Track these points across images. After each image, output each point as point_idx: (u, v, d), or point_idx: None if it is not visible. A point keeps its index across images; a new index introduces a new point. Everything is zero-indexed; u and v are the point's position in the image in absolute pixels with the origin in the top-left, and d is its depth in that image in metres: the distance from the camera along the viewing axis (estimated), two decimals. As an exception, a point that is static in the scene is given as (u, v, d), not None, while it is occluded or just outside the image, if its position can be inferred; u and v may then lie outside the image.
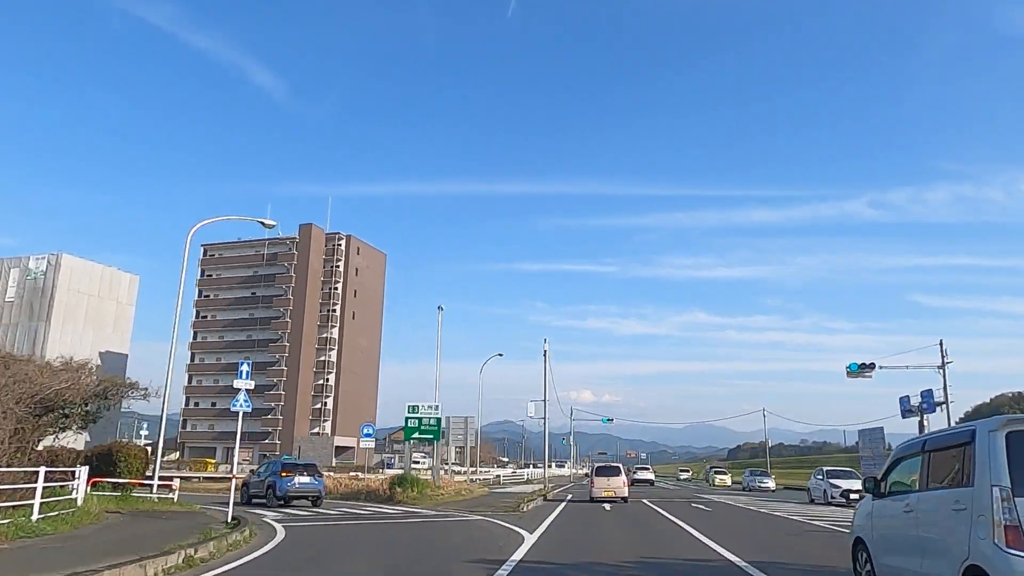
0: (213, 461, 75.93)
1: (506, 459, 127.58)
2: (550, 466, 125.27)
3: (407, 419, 30.72)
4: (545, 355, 43.33)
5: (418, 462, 67.83)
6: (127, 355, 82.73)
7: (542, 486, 41.48)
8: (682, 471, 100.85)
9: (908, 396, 43.43)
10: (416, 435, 31.12)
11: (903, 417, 44.33)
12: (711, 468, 76.24)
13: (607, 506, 26.41)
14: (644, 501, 30.65)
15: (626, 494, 29.70)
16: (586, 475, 49.24)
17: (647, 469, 66.91)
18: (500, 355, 45.73)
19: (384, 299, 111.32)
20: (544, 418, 45.39)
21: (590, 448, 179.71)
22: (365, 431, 38.66)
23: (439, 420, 31.15)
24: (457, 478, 43.97)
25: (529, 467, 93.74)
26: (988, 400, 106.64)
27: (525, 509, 23.02)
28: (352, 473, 44.81)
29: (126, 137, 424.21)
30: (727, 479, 65.24)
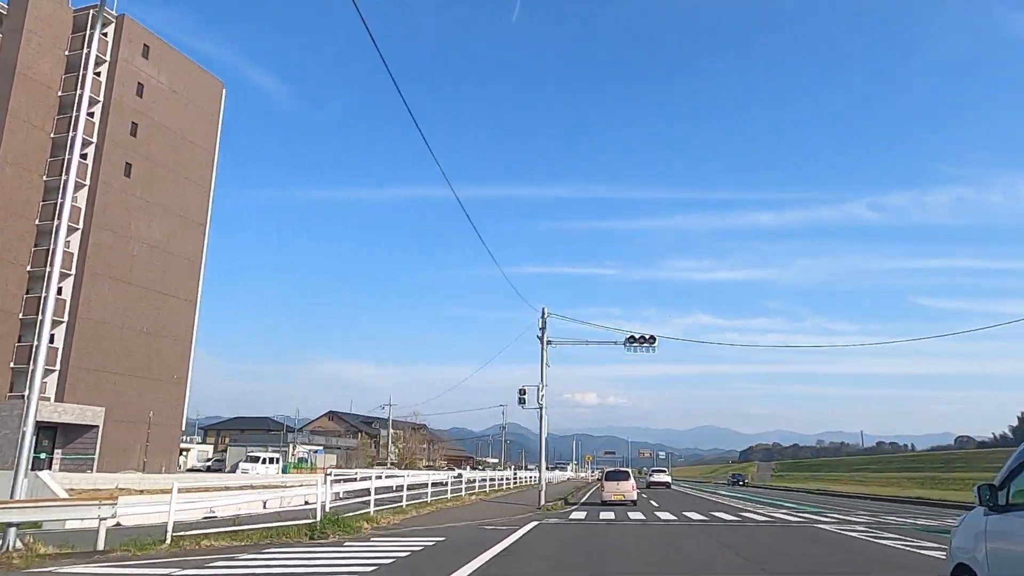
0: None
1: (494, 460, 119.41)
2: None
3: None
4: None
5: (262, 459, 49.67)
6: None
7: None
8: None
9: None
10: None
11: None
12: None
13: None
14: None
15: (635, 498, 30.51)
16: (596, 479, 46.24)
17: (664, 471, 65.49)
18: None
19: (216, 167, 54.61)
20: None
21: (596, 449, 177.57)
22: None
23: None
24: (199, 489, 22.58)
25: (512, 468, 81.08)
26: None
27: None
28: None
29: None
30: None
